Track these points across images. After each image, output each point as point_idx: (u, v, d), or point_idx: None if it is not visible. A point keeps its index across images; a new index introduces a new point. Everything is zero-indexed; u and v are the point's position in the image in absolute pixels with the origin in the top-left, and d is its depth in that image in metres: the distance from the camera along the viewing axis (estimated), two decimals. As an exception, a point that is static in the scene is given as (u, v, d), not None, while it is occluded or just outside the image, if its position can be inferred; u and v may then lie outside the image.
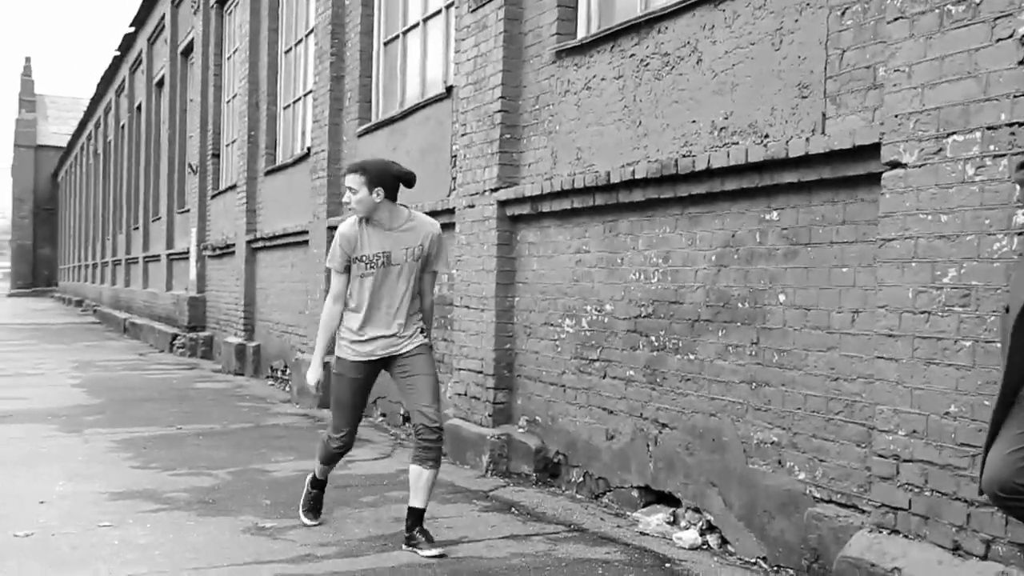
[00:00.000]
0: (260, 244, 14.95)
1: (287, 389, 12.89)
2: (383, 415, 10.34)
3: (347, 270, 5.46)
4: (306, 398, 11.44)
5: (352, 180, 5.34)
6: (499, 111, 7.65)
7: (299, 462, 7.95)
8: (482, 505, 6.56)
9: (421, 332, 5.58)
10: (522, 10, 7.61)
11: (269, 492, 6.84)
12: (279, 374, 13.93)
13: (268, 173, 14.94)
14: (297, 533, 5.76)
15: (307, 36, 13.62)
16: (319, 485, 6.01)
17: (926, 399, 4.14)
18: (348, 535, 5.73)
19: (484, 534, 5.81)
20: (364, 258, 5.40)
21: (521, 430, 7.50)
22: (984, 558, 3.89)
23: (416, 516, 5.40)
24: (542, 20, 7.36)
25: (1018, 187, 3.47)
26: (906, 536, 4.21)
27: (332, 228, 11.42)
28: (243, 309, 15.53)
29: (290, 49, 14.63)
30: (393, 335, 5.46)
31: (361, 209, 5.36)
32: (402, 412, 9.77)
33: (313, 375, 5.66)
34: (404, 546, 5.39)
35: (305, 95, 13.69)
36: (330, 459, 5.83)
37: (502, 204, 7.64)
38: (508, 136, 7.65)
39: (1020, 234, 3.74)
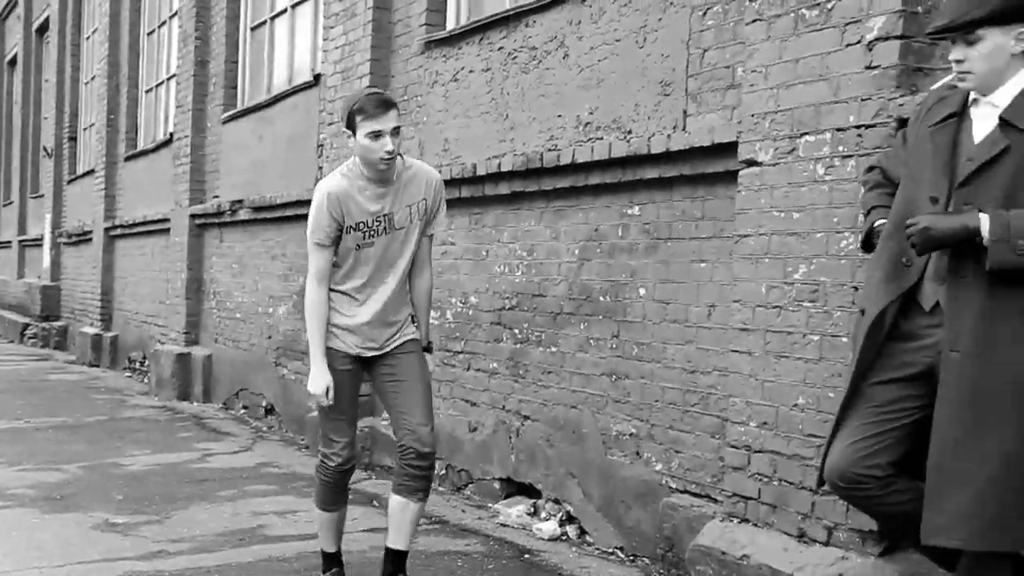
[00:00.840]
0: (119, 232, 14.49)
1: (145, 380, 12.53)
2: (245, 407, 10.17)
3: (335, 242, 4.23)
4: (164, 390, 11.20)
5: (395, 118, 4.12)
6: (366, 100, 7.56)
7: (155, 455, 7.78)
8: (343, 498, 6.52)
9: (412, 321, 4.51)
10: (390, -1, 7.58)
11: (122, 487, 6.64)
12: (137, 365, 13.55)
13: (128, 159, 14.48)
14: (150, 529, 5.61)
15: (171, 18, 13.23)
16: (334, 562, 4.66)
17: (776, 391, 4.25)
18: (203, 530, 5.62)
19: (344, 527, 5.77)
20: (362, 225, 4.20)
21: (385, 422, 7.42)
22: (826, 544, 4.00)
23: (399, 562, 4.36)
24: (412, 10, 7.31)
25: (862, 188, 3.60)
26: (755, 524, 4.31)
27: (196, 216, 11.16)
28: (100, 298, 15.03)
29: (153, 31, 14.20)
30: (394, 322, 4.38)
31: (396, 161, 4.20)
32: (264, 404, 9.63)
33: (321, 381, 4.22)
34: None
35: (168, 79, 13.30)
36: (337, 490, 4.50)
37: (368, 194, 7.55)
38: (375, 126, 7.57)
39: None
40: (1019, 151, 2.99)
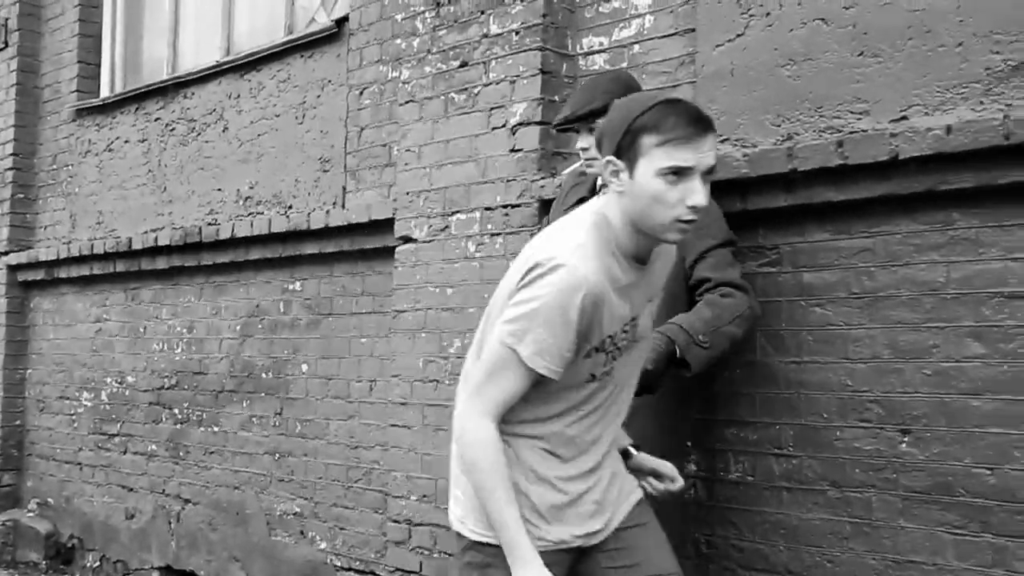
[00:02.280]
0: None
1: None
2: None
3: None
4: None
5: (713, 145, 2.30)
6: (11, 168, 6.99)
7: None
8: (-13, 599, 5.87)
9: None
10: (39, 63, 7.04)
11: None
12: None
13: None
14: None
15: None
16: None
17: (436, 464, 4.16)
18: None
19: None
20: (607, 342, 2.30)
21: (31, 514, 6.79)
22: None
23: None
24: (61, 75, 6.86)
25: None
26: (418, 599, 4.23)
27: None
28: None
29: None
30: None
31: None
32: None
33: None
34: None
35: None
36: None
37: (13, 269, 6.96)
38: (21, 196, 7.01)
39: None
40: None
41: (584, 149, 3.18)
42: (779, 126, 3.41)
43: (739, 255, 3.25)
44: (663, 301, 2.68)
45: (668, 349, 2.89)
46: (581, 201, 3.28)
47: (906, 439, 3.12)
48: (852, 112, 3.26)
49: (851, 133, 3.22)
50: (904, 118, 3.14)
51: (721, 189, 3.23)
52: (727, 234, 3.17)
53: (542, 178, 3.88)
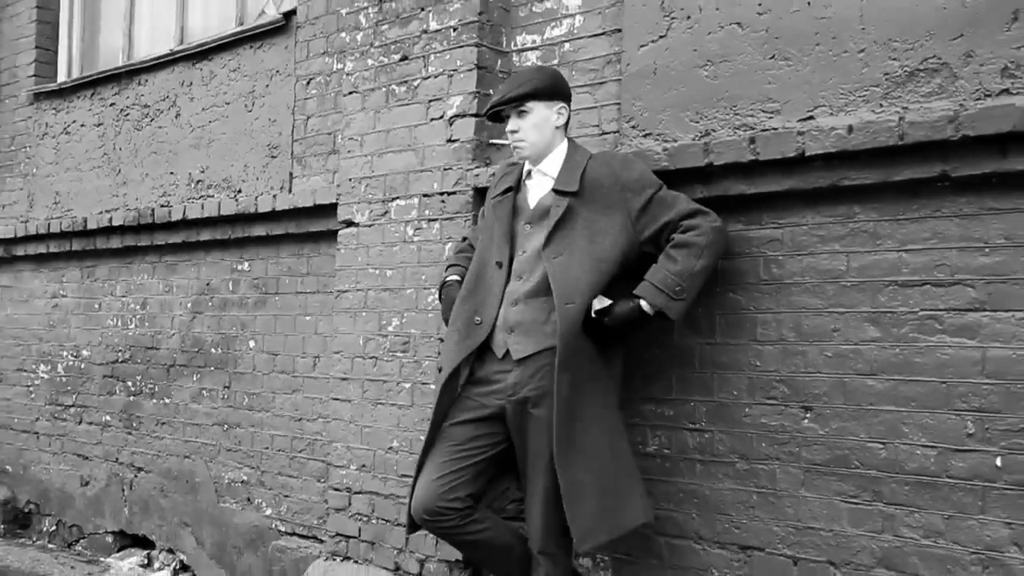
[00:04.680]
0: None
1: None
2: None
3: None
4: None
5: None
6: (-30, 150, 6.85)
7: None
8: (-65, 564, 5.73)
9: None
10: (-3, 49, 6.89)
11: None
12: None
13: None
14: None
15: None
16: None
17: (374, 436, 4.15)
18: None
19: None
20: None
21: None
22: (419, 575, 3.99)
23: None
24: (19, 60, 6.69)
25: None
26: (355, 561, 4.19)
27: None
28: None
29: None
30: None
31: None
32: None
33: None
34: None
35: None
36: None
37: (-28, 247, 6.82)
38: (-19, 176, 6.87)
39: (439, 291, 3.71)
40: (575, 208, 3.14)
41: (513, 132, 3.21)
42: (697, 123, 3.42)
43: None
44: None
45: (638, 311, 3.02)
46: (509, 190, 3.31)
47: (808, 416, 3.16)
48: (764, 111, 3.28)
49: (762, 131, 3.24)
50: (811, 118, 3.17)
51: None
52: (656, 181, 3.18)
53: (477, 167, 3.86)
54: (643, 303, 3.01)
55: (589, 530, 3.03)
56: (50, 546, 6.17)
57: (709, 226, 3.07)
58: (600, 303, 3.05)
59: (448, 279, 3.45)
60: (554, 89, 3.23)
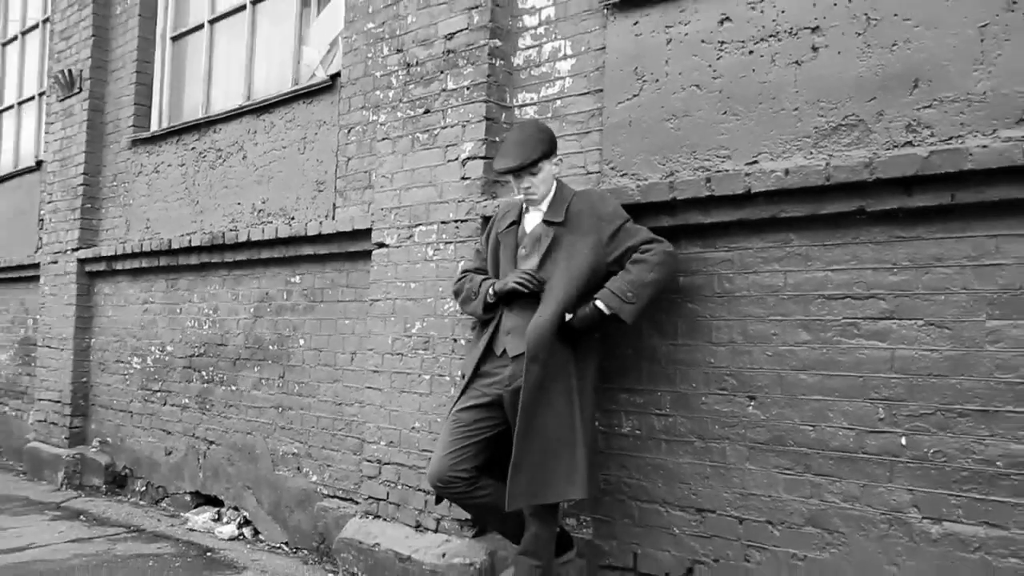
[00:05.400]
0: None
1: None
2: None
3: None
4: None
5: None
6: (82, 184, 6.82)
7: None
8: (52, 514, 5.68)
9: None
10: (104, 103, 6.88)
11: None
12: None
13: None
14: None
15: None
16: None
17: (399, 418, 4.15)
18: None
19: (51, 539, 5.02)
20: None
21: (94, 449, 6.67)
22: (436, 531, 3.93)
23: None
24: (121, 113, 6.70)
25: (458, 282, 3.57)
26: (384, 519, 4.18)
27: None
28: None
29: None
30: None
31: None
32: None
33: None
34: None
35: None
36: None
37: (82, 262, 6.79)
38: (89, 206, 6.84)
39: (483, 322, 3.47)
40: (560, 235, 3.16)
41: (527, 187, 3.22)
42: (664, 165, 3.43)
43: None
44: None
45: (597, 312, 3.03)
46: (512, 224, 3.32)
47: (752, 403, 3.17)
48: (718, 156, 3.29)
49: (717, 172, 3.25)
50: (755, 162, 3.18)
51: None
52: (626, 215, 3.19)
53: (484, 199, 3.87)
54: (599, 303, 3.03)
55: (515, 495, 3.05)
56: (141, 503, 6.16)
57: (661, 249, 3.09)
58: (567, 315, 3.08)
59: (497, 288, 3.27)
60: (552, 147, 3.24)
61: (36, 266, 7.46)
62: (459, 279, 3.51)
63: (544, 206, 3.25)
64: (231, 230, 5.53)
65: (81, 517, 5.64)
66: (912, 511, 2.81)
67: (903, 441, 2.83)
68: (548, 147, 3.21)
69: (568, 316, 3.06)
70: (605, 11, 3.66)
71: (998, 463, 2.67)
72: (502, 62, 3.94)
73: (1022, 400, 2.64)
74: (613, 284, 3.04)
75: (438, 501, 3.43)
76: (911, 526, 2.81)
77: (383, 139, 4.35)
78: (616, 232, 3.13)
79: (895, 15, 2.92)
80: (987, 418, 2.69)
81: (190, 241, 5.72)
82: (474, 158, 3.91)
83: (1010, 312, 2.67)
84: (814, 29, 3.08)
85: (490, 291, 3.27)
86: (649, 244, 3.10)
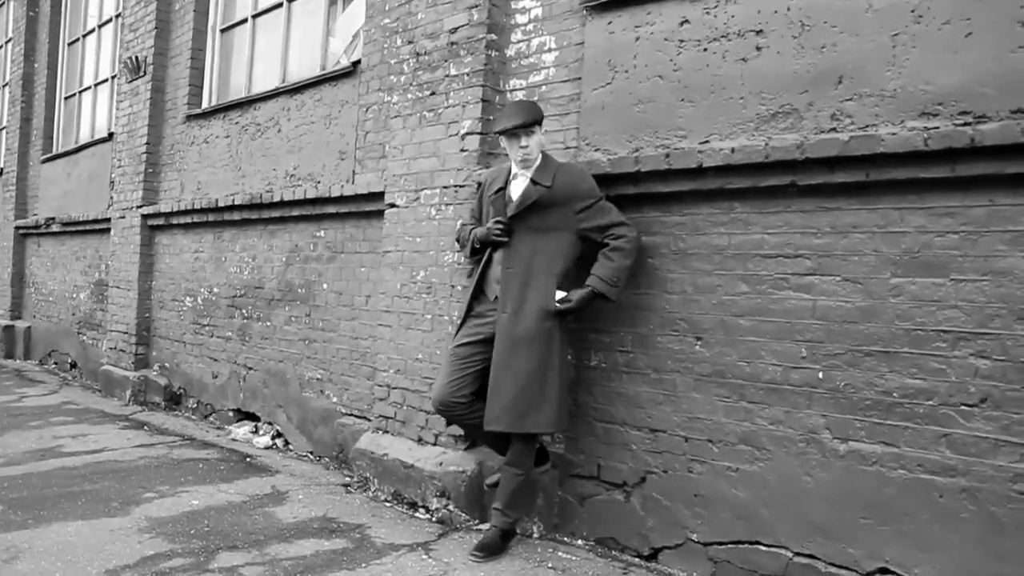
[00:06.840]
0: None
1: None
2: (55, 363, 8.76)
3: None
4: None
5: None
6: (145, 152, 6.66)
7: None
8: (122, 424, 5.64)
9: None
10: (164, 84, 6.68)
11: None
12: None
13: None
14: (-39, 450, 4.58)
15: (3, 88, 11.17)
16: None
17: (405, 350, 4.11)
18: (14, 450, 4.66)
19: (121, 444, 4.99)
20: None
21: (155, 372, 6.62)
22: (434, 444, 3.92)
23: None
24: (178, 93, 6.53)
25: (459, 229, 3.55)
26: (392, 434, 4.16)
27: (20, 228, 9.48)
28: None
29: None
30: None
31: None
32: (69, 360, 8.32)
33: None
34: None
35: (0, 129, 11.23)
36: None
37: (144, 217, 6.66)
38: (151, 170, 6.69)
39: (473, 269, 3.49)
40: (543, 198, 3.12)
41: (525, 147, 3.14)
42: (631, 142, 3.36)
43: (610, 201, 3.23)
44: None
45: (591, 295, 3.06)
46: (500, 189, 3.25)
47: (699, 343, 3.14)
48: (676, 136, 3.22)
49: (675, 149, 3.18)
50: (707, 142, 3.11)
51: (596, 181, 3.20)
52: (600, 193, 3.15)
53: (479, 168, 3.78)
54: (595, 288, 3.05)
55: (495, 418, 3.05)
56: (192, 417, 6.13)
57: (632, 236, 3.08)
58: (562, 301, 3.10)
59: (462, 226, 3.43)
60: (542, 118, 3.19)
61: (108, 220, 7.35)
62: (458, 230, 3.50)
63: (531, 172, 3.18)
64: (267, 191, 5.42)
65: (145, 427, 5.61)
66: (825, 433, 2.80)
67: (820, 375, 2.81)
68: (540, 116, 3.15)
69: (561, 294, 3.07)
70: (584, 12, 3.55)
71: (894, 394, 2.65)
72: (497, 53, 3.82)
73: (916, 343, 2.62)
74: (600, 271, 3.05)
75: (448, 424, 3.42)
76: (823, 444, 2.80)
77: (395, 116, 4.25)
78: (590, 206, 3.11)
79: (825, 22, 2.84)
80: (888, 357, 2.67)
81: (233, 200, 5.61)
82: (472, 133, 3.82)
83: (910, 271, 2.64)
84: (758, 32, 2.99)
85: (475, 236, 3.28)
86: (619, 227, 3.09)
